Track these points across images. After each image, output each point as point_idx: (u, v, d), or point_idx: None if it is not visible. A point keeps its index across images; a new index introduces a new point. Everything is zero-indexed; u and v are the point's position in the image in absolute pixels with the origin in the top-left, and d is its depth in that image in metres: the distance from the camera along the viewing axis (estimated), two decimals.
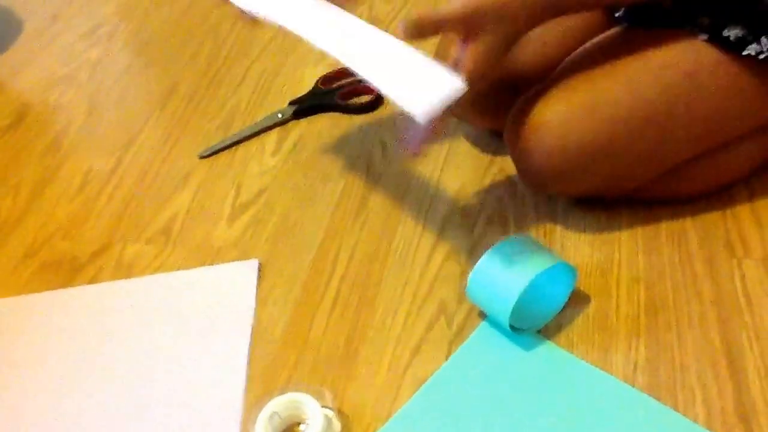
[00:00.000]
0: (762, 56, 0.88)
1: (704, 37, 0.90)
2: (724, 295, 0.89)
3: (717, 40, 0.89)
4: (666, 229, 0.97)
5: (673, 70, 0.90)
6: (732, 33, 0.88)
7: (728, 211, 0.98)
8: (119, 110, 1.36)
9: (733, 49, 0.89)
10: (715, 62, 0.90)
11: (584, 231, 0.99)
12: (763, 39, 0.88)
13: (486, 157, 1.12)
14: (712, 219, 0.97)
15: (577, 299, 0.90)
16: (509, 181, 1.07)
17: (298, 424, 0.83)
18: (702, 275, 0.91)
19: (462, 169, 1.11)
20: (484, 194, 1.07)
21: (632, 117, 0.90)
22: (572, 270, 0.88)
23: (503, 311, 0.83)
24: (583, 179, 0.94)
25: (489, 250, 0.85)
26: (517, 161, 0.97)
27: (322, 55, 1.36)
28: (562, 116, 0.90)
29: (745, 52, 0.88)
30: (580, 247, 0.97)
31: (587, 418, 0.78)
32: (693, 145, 0.94)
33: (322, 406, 0.81)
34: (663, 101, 0.90)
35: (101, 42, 1.54)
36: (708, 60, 0.90)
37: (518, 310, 0.88)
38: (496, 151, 1.12)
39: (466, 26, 0.83)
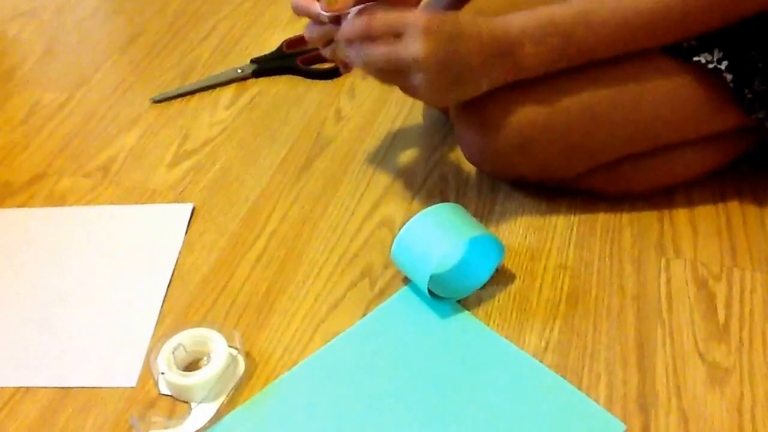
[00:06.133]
0: (710, 66, 0.93)
1: None
2: (646, 293, 0.94)
3: (670, 46, 0.95)
4: (602, 223, 1.03)
5: (621, 70, 0.95)
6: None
7: (666, 214, 1.04)
8: (77, 51, 1.41)
9: (684, 55, 0.94)
10: (664, 67, 0.95)
11: (522, 215, 1.04)
12: (715, 50, 0.93)
13: (437, 136, 1.18)
14: (648, 219, 1.03)
15: (502, 277, 0.96)
16: (457, 162, 1.13)
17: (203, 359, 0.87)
18: (629, 271, 0.97)
19: (411, 145, 1.16)
20: (429, 170, 1.12)
21: (573, 106, 0.95)
22: (499, 245, 0.93)
23: (422, 276, 0.89)
24: (519, 161, 1.00)
25: (417, 215, 0.90)
26: (459, 136, 1.03)
27: (291, 21, 1.43)
28: (504, 95, 0.95)
29: (695, 59, 0.93)
30: (514, 230, 1.02)
31: (490, 385, 0.83)
32: (632, 145, 0.99)
33: (230, 346, 0.86)
34: (606, 97, 0.95)
35: None
36: (657, 64, 0.95)
37: (440, 278, 0.93)
38: (448, 132, 1.17)
39: None
